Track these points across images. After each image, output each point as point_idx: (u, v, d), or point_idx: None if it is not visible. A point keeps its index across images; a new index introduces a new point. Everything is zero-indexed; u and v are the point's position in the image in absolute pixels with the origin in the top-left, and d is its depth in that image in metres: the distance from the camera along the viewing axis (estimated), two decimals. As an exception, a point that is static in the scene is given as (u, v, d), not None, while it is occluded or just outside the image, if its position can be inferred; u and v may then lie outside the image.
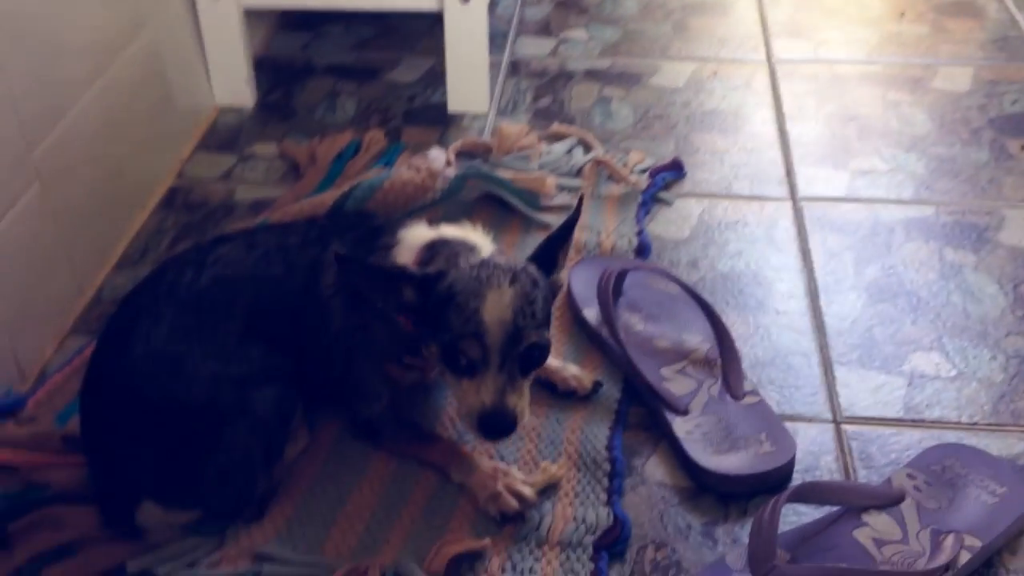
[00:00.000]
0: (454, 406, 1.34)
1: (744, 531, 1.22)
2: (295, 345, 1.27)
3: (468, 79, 2.05)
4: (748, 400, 1.35)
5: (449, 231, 1.29)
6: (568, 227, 1.23)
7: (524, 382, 1.17)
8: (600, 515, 1.23)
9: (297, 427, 1.31)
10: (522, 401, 1.16)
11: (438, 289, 1.15)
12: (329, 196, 1.70)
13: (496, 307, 1.12)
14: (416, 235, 1.29)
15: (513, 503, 1.22)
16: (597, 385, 1.40)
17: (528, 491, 1.23)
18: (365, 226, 1.35)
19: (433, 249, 1.24)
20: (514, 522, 1.22)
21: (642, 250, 1.67)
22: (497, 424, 1.14)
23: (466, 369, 1.15)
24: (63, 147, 1.53)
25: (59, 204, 1.53)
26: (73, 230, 1.58)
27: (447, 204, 1.74)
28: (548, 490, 1.27)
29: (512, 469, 1.26)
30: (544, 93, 2.14)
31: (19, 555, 1.16)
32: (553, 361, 1.42)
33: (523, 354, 1.14)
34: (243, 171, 1.93)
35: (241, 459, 1.19)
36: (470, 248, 1.23)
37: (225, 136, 2.03)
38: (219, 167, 1.94)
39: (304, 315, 1.28)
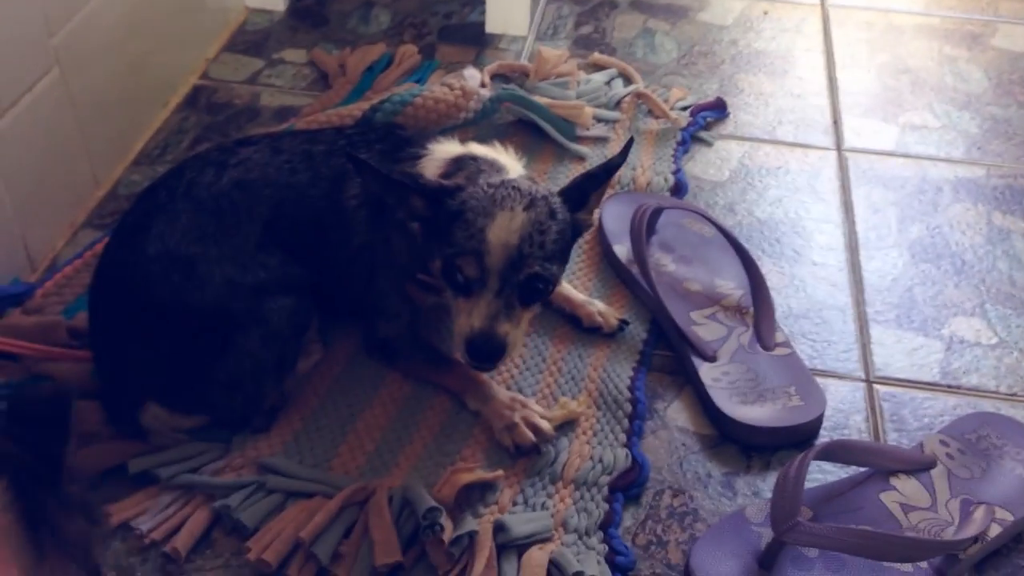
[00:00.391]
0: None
1: (766, 484, 1.18)
2: (315, 256, 1.22)
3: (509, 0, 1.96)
4: (779, 352, 1.30)
5: (480, 149, 1.24)
6: (609, 169, 1.17)
7: (523, 312, 1.12)
8: (618, 456, 1.19)
9: (311, 340, 1.27)
10: (516, 330, 1.11)
11: (449, 203, 1.09)
12: (358, 108, 1.63)
13: (503, 229, 1.07)
14: (445, 149, 1.24)
15: (529, 435, 1.17)
16: (623, 323, 1.35)
17: (545, 425, 1.19)
18: (394, 138, 1.29)
19: (459, 164, 1.19)
20: (529, 455, 1.18)
21: (678, 189, 1.61)
22: (484, 349, 1.09)
23: (463, 288, 1.10)
24: (84, 34, 1.47)
25: (78, 93, 1.47)
26: (92, 121, 1.52)
27: (479, 126, 1.67)
28: (565, 427, 1.22)
29: (530, 401, 1.22)
30: (586, 20, 2.06)
31: (19, 447, 1.12)
32: (578, 295, 1.37)
33: (523, 283, 1.09)
34: (270, 76, 1.86)
35: (251, 368, 1.15)
36: (497, 168, 1.18)
37: (253, 39, 1.96)
38: (246, 70, 1.87)
39: (326, 226, 1.23)
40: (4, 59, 1.29)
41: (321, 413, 1.23)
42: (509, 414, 1.19)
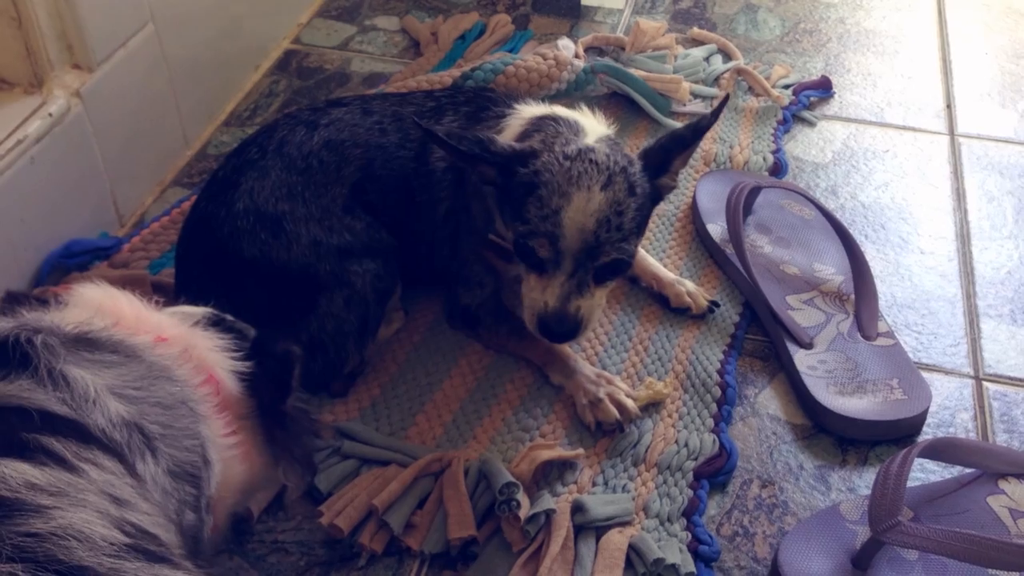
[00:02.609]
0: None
1: (862, 480, 1.11)
2: (401, 221, 1.19)
3: (606, -29, 1.91)
4: (881, 342, 1.23)
5: (564, 111, 1.19)
6: (697, 131, 1.11)
7: (598, 289, 1.08)
8: (705, 441, 1.13)
9: (393, 308, 1.24)
10: (591, 303, 1.07)
11: (522, 172, 1.05)
12: (448, 75, 1.60)
13: (579, 212, 1.03)
14: (530, 109, 1.20)
15: (614, 412, 1.13)
16: (713, 305, 1.29)
17: (630, 403, 1.14)
18: (481, 99, 1.25)
19: (539, 124, 1.15)
20: (611, 434, 1.14)
21: (778, 169, 1.53)
22: (557, 327, 1.07)
23: (536, 264, 1.07)
24: (181, -10, 1.47)
25: (172, 51, 1.47)
26: (184, 80, 1.52)
27: (572, 97, 1.63)
28: (650, 408, 1.17)
29: (616, 379, 1.17)
30: (686, -5, 1.99)
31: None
32: (668, 274, 1.31)
33: (600, 266, 1.06)
34: (362, 42, 1.84)
35: (334, 330, 1.12)
36: (577, 130, 1.13)
37: (346, 5, 1.94)
38: (337, 36, 1.85)
39: (413, 188, 1.20)
40: (100, 12, 1.29)
41: (399, 381, 1.21)
42: (593, 389, 1.14)
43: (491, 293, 1.23)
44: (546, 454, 1.09)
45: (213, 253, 1.11)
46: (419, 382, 1.21)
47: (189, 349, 0.79)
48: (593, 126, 1.16)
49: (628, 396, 1.15)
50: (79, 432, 0.61)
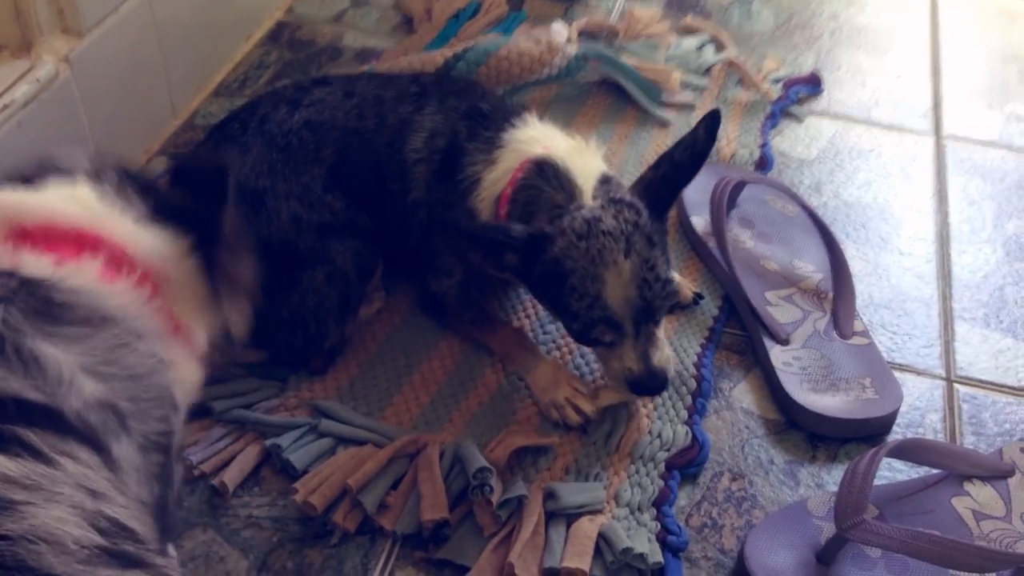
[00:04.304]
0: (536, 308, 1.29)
1: (831, 477, 1.13)
2: (374, 205, 1.20)
3: (603, -45, 1.90)
4: (856, 341, 1.25)
5: (559, 146, 1.13)
6: (697, 157, 1.07)
7: (659, 330, 1.08)
8: (678, 433, 1.15)
9: (375, 288, 1.25)
10: (665, 351, 1.08)
11: (545, 258, 1.04)
12: (440, 54, 1.60)
13: (618, 287, 1.02)
14: (525, 141, 1.14)
15: (575, 417, 1.14)
16: (698, 297, 1.30)
17: (588, 407, 1.14)
18: (469, 98, 1.21)
19: (532, 180, 1.09)
20: (573, 431, 1.15)
21: (763, 164, 1.54)
22: (649, 386, 1.08)
23: (602, 344, 1.07)
24: (175, -43, 1.46)
25: (163, 18, 1.46)
26: (174, 49, 1.51)
27: (563, 83, 1.63)
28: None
29: (576, 379, 1.17)
30: (681, -18, 1.98)
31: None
32: None
33: (657, 319, 1.06)
34: (355, 16, 1.83)
35: (315, 306, 1.13)
36: (569, 189, 1.07)
37: (341, -23, 1.93)
38: (331, 8, 1.85)
39: (386, 175, 1.20)
40: (92, -22, 1.29)
41: (378, 361, 1.21)
42: (553, 391, 1.15)
43: (458, 282, 1.23)
44: (520, 440, 1.10)
45: None
46: (398, 363, 1.22)
47: (129, 257, 0.73)
48: (586, 170, 1.10)
49: (587, 399, 1.14)
50: (55, 422, 0.61)
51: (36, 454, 0.58)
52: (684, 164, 1.08)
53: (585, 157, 1.13)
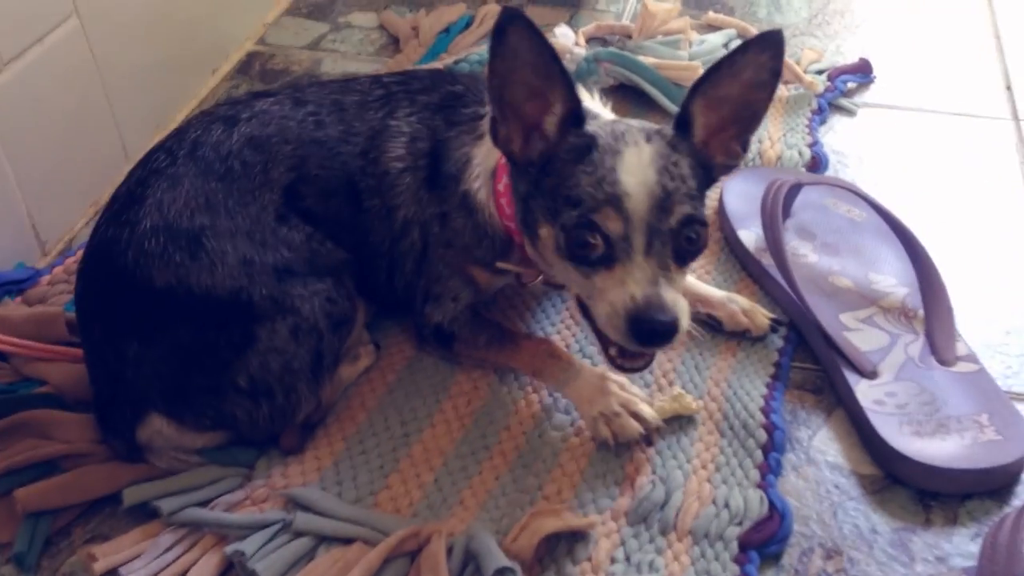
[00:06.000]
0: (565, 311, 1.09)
1: (954, 546, 0.88)
2: (349, 230, 0.98)
3: (608, -46, 1.70)
4: (962, 367, 1.00)
5: None
6: (715, 67, 0.87)
7: (680, 274, 0.86)
8: (750, 499, 0.90)
9: (359, 341, 1.02)
10: (677, 297, 0.84)
11: (574, 137, 0.85)
12: (427, 70, 1.39)
13: (637, 164, 0.83)
14: None
15: (635, 427, 0.93)
16: (776, 324, 1.07)
17: (649, 412, 0.94)
18: (438, 87, 1.03)
19: None
20: (631, 449, 0.94)
21: (817, 165, 1.31)
22: (658, 318, 0.82)
23: (602, 257, 0.83)
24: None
25: (105, 51, 1.26)
26: (122, 85, 1.31)
27: (573, 91, 1.41)
28: (678, 455, 0.94)
29: (626, 381, 0.96)
30: (699, -22, 1.77)
31: (-9, 466, 0.90)
32: (715, 291, 1.09)
33: (676, 232, 0.83)
34: (334, 41, 1.63)
35: (280, 369, 0.90)
36: (592, 115, 0.91)
37: (319, 2, 1.74)
38: (308, 35, 1.65)
39: (362, 191, 0.99)
40: (7, 0, 1.08)
41: (368, 433, 0.98)
42: (602, 399, 0.95)
43: (465, 306, 1.02)
44: (551, 524, 0.86)
45: (118, 285, 0.89)
46: (393, 433, 0.98)
47: None
48: (602, 110, 0.97)
49: (646, 403, 0.95)
50: None
51: None
52: (696, 85, 0.89)
53: (591, 100, 0.98)
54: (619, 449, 0.94)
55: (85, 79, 1.25)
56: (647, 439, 0.94)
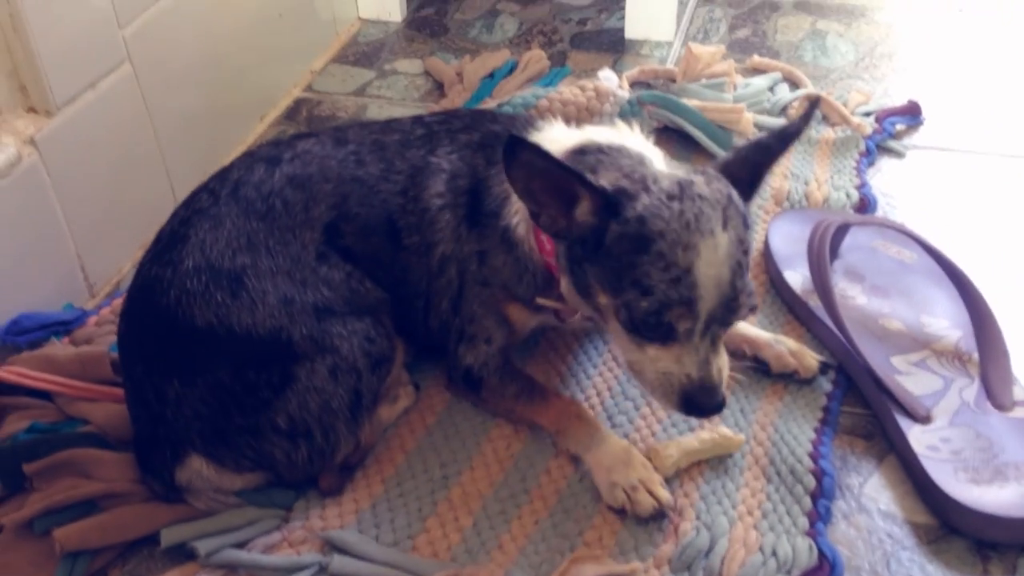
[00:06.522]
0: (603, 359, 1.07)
1: (1016, 599, 0.83)
2: (387, 269, 0.98)
3: (652, 1, 1.70)
4: (1020, 412, 0.97)
5: (599, 133, 0.96)
6: (784, 138, 0.91)
7: (722, 341, 0.87)
8: (799, 548, 0.87)
9: (398, 381, 1.01)
10: (724, 365, 0.87)
11: (626, 217, 0.83)
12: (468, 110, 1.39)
13: (712, 263, 0.82)
14: (554, 136, 0.97)
15: (651, 503, 0.91)
16: (824, 367, 1.05)
17: (665, 495, 0.91)
18: (479, 127, 1.03)
19: (580, 159, 0.91)
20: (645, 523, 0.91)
21: (865, 206, 1.29)
22: (708, 401, 0.86)
23: (664, 335, 0.84)
24: (158, 28, 1.28)
25: (157, 97, 1.29)
26: (173, 130, 1.33)
27: (616, 134, 1.41)
28: (723, 501, 0.92)
29: (647, 462, 0.94)
30: (742, 24, 1.77)
31: (32, 504, 0.90)
32: (761, 333, 1.07)
33: (732, 320, 0.86)
34: (380, 87, 1.65)
35: (319, 409, 0.90)
36: (639, 160, 0.90)
37: (365, 50, 1.76)
38: (354, 81, 1.67)
39: (401, 229, 0.99)
40: (61, 48, 1.11)
41: (407, 475, 0.97)
42: (624, 470, 0.92)
43: (498, 350, 1.00)
44: (591, 570, 0.85)
45: (160, 325, 0.89)
46: (432, 476, 0.97)
47: None
48: (642, 145, 0.95)
49: (663, 485, 0.92)
50: None
51: None
52: (767, 144, 0.91)
53: (635, 137, 0.96)
54: (626, 519, 0.92)
55: (136, 124, 1.27)
56: (663, 513, 0.91)
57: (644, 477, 0.92)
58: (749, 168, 0.89)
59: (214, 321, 0.87)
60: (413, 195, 0.98)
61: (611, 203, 0.83)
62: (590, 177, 0.84)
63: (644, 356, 0.86)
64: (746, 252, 0.85)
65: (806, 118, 0.91)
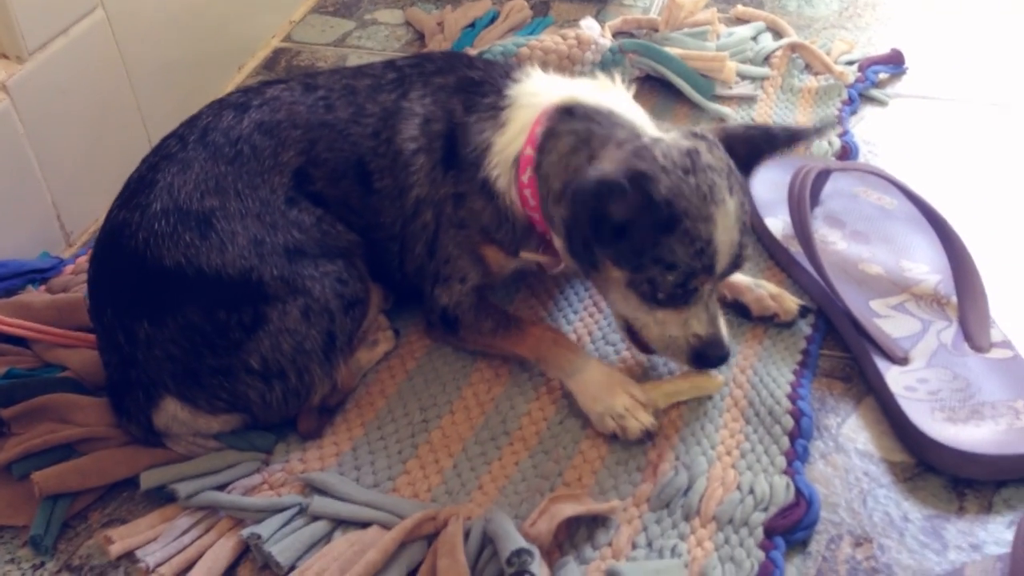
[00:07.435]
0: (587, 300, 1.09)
1: (988, 533, 0.85)
2: (359, 213, 0.98)
3: (635, -50, 1.69)
4: (997, 354, 0.97)
5: (584, 90, 0.96)
6: (793, 137, 0.96)
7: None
8: (776, 486, 0.88)
9: (377, 326, 1.01)
10: (722, 315, 0.93)
11: (655, 201, 0.83)
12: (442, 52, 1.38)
13: (726, 229, 0.86)
14: (533, 97, 0.96)
15: (638, 428, 0.92)
16: (804, 310, 1.05)
17: (649, 420, 0.93)
18: (455, 71, 1.01)
19: (567, 122, 0.91)
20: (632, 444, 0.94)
21: (847, 154, 1.29)
22: (715, 354, 0.91)
23: (680, 300, 0.88)
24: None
25: (131, 45, 1.27)
26: (148, 78, 1.31)
27: (597, 82, 1.40)
28: (702, 442, 0.92)
29: (629, 381, 0.95)
30: (727, -26, 1.75)
31: (10, 448, 0.90)
32: (742, 277, 1.06)
33: (733, 271, 0.91)
34: (360, 37, 1.63)
35: (292, 350, 0.89)
36: (631, 129, 0.90)
37: (345, 0, 1.73)
38: (334, 31, 1.65)
39: (373, 172, 0.98)
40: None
41: (387, 418, 0.97)
42: (608, 398, 0.93)
43: (472, 288, 1.00)
44: (571, 508, 0.84)
45: (129, 267, 0.89)
46: (412, 419, 0.97)
47: None
48: (628, 104, 0.95)
49: (646, 408, 0.94)
50: None
51: None
52: (776, 136, 0.95)
53: (618, 93, 0.97)
54: (614, 444, 0.93)
55: (111, 72, 1.25)
56: (650, 437, 0.93)
57: (628, 404, 0.93)
58: (750, 149, 0.92)
59: (183, 261, 0.87)
60: (385, 138, 0.97)
61: (642, 191, 0.83)
62: (612, 176, 0.83)
63: (651, 318, 0.90)
64: (747, 211, 0.89)
65: (820, 132, 1.02)
